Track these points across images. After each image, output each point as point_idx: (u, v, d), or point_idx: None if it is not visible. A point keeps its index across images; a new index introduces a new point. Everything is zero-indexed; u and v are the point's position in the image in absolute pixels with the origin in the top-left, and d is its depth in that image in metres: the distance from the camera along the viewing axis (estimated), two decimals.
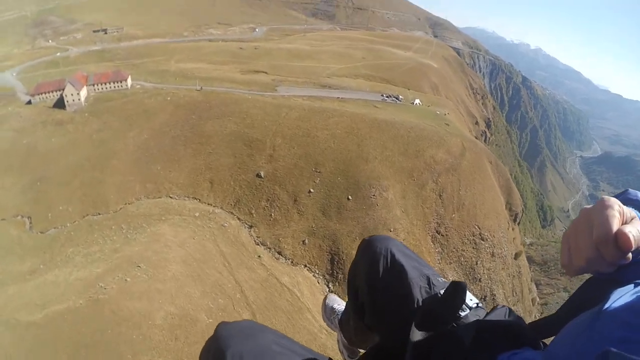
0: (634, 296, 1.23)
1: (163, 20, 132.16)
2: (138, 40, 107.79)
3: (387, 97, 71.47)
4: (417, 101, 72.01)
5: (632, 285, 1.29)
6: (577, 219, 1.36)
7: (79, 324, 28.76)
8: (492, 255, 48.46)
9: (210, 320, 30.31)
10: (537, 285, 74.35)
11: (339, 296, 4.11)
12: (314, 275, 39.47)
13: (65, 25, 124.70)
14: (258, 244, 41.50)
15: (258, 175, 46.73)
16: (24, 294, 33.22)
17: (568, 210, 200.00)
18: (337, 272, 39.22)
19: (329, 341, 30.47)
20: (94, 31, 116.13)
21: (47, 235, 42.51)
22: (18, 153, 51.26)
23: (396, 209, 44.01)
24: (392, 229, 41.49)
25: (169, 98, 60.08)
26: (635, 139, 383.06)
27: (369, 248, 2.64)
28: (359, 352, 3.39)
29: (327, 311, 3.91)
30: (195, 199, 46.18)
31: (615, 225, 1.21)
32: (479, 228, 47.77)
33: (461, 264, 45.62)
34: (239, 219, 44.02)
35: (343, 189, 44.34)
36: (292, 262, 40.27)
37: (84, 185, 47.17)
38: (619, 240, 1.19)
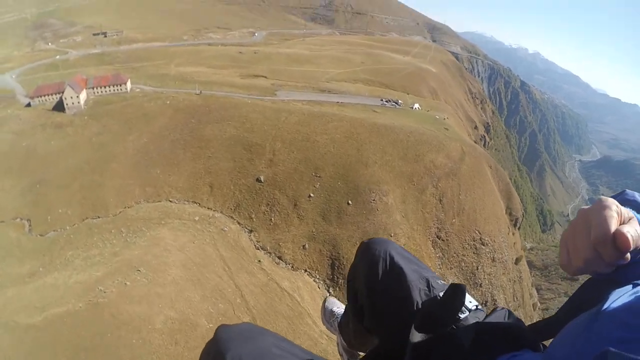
0: (633, 297, 1.24)
1: (163, 24, 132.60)
2: (138, 43, 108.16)
3: (386, 101, 71.63)
4: (416, 106, 72.19)
5: (630, 286, 1.30)
6: (575, 220, 1.37)
7: (79, 328, 28.69)
8: (493, 260, 48.39)
9: (211, 325, 30.21)
10: (537, 290, 74.21)
11: (339, 300, 4.10)
12: (314, 280, 39.39)
13: (65, 28, 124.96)
14: (258, 249, 41.43)
15: (258, 180, 46.71)
16: (23, 297, 33.11)
17: (568, 215, 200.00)
18: (337, 277, 39.14)
19: (329, 346, 30.38)
20: (94, 34, 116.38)
21: (46, 238, 42.36)
22: (17, 155, 51.14)
23: (396, 214, 44.01)
24: (392, 234, 41.45)
25: (168, 102, 60.12)
26: (634, 143, 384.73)
27: (368, 251, 2.64)
28: (359, 355, 3.38)
29: (327, 314, 3.89)
30: (195, 203, 46.10)
31: (614, 226, 1.22)
32: (480, 233, 47.75)
33: (462, 269, 45.55)
34: (239, 223, 43.95)
35: (343, 194, 44.33)
36: (292, 266, 40.20)
37: (84, 188, 47.06)
38: (617, 240, 1.20)
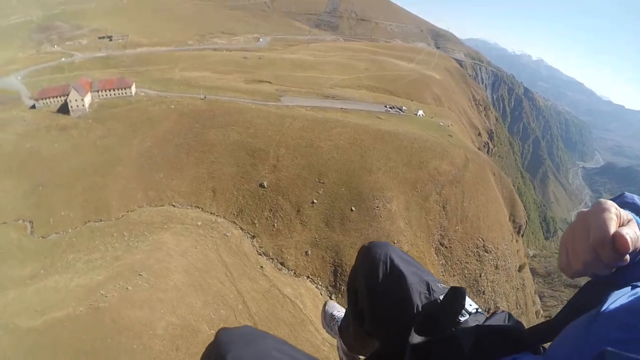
0: (631, 298, 1.26)
1: (168, 29, 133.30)
2: (143, 47, 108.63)
3: (390, 108, 71.64)
4: (420, 112, 72.15)
5: (629, 288, 1.31)
6: (575, 223, 1.37)
7: (79, 332, 28.55)
8: (496, 267, 48.10)
9: (212, 331, 29.96)
10: (540, 297, 73.77)
11: (339, 304, 4.08)
12: (316, 287, 39.16)
13: (71, 30, 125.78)
14: (260, 255, 41.27)
15: (261, 185, 46.64)
16: (24, 299, 33.06)
17: (571, 222, 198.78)
18: (340, 284, 38.89)
19: (332, 354, 30.08)
20: (100, 37, 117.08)
21: (48, 240, 42.40)
22: (21, 157, 51.30)
23: (400, 221, 43.82)
24: (395, 241, 41.20)
25: (172, 106, 60.29)
26: (638, 150, 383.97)
27: (368, 254, 2.65)
28: (359, 358, 3.38)
29: (327, 318, 3.89)
30: (198, 207, 46.06)
31: (613, 228, 1.22)
32: (483, 240, 47.49)
33: (465, 276, 45.27)
34: (241, 228, 43.84)
35: (346, 200, 44.20)
36: (294, 273, 40.01)
37: (86, 191, 47.13)
38: (616, 242, 1.20)
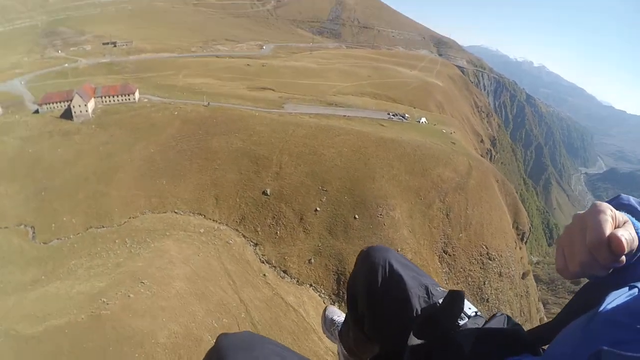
0: (628, 298, 1.28)
1: (172, 35, 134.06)
2: (146, 54, 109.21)
3: (393, 115, 71.65)
4: (423, 119, 72.11)
5: (626, 288, 1.32)
6: (571, 225, 1.37)
7: (80, 340, 28.37)
8: (500, 275, 47.77)
9: (214, 341, 29.70)
10: (544, 304, 73.05)
11: (340, 309, 4.05)
12: (319, 295, 38.92)
13: (76, 36, 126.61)
14: (263, 262, 41.08)
15: (264, 193, 46.53)
16: (25, 305, 32.96)
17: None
18: (343, 292, 38.58)
19: None
20: (104, 43, 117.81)
21: (49, 246, 42.37)
22: (23, 162, 51.41)
23: (403, 229, 43.60)
24: (399, 249, 40.94)
25: (176, 113, 60.39)
26: None
27: (367, 258, 2.65)
28: None
29: (327, 323, 3.87)
30: (201, 214, 45.96)
31: (608, 229, 1.23)
32: (487, 248, 47.20)
33: (469, 284, 44.95)
34: (244, 236, 43.69)
35: (350, 208, 44.03)
36: (297, 281, 39.80)
37: (89, 197, 47.12)
38: (612, 243, 1.21)
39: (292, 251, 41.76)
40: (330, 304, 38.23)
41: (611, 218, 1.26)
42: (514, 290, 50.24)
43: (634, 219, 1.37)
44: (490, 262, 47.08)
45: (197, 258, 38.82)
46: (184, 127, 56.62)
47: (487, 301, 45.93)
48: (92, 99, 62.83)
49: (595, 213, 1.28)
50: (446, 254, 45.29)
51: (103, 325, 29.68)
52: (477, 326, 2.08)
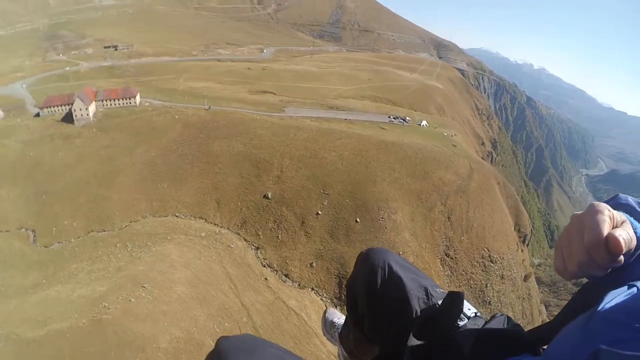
0: (627, 297, 1.29)
1: (172, 39, 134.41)
2: (147, 57, 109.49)
3: (394, 118, 71.68)
4: (423, 122, 72.15)
5: (625, 287, 1.33)
6: (569, 225, 1.38)
7: (81, 344, 28.24)
8: (502, 277, 47.70)
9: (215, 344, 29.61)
10: (546, 306, 72.72)
11: (340, 311, 4.06)
12: (321, 299, 38.83)
13: (77, 40, 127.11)
14: (265, 266, 41.00)
15: (265, 196, 46.49)
16: (26, 309, 32.84)
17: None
18: (344, 295, 38.44)
19: None
20: (105, 47, 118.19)
21: (50, 249, 42.30)
22: (24, 165, 51.39)
23: (405, 232, 43.52)
24: (401, 252, 40.82)
25: (177, 116, 60.44)
26: None
27: (367, 260, 2.67)
28: None
29: (327, 325, 3.90)
30: (202, 218, 45.90)
31: (606, 230, 1.25)
32: (488, 250, 47.12)
33: (471, 286, 44.85)
34: (245, 240, 43.62)
35: (351, 211, 43.97)
36: (299, 285, 39.69)
37: (90, 200, 47.07)
38: (610, 243, 1.23)
39: (294, 255, 41.68)
40: (332, 307, 38.15)
41: (609, 218, 1.27)
42: (516, 293, 50.15)
43: (632, 219, 1.38)
44: (492, 264, 47.00)
45: (198, 262, 38.74)
46: (185, 131, 56.64)
47: (489, 304, 45.81)
48: (93, 102, 62.89)
49: (592, 213, 1.30)
50: (448, 256, 45.21)
51: (104, 330, 29.55)
52: (476, 327, 2.09)
